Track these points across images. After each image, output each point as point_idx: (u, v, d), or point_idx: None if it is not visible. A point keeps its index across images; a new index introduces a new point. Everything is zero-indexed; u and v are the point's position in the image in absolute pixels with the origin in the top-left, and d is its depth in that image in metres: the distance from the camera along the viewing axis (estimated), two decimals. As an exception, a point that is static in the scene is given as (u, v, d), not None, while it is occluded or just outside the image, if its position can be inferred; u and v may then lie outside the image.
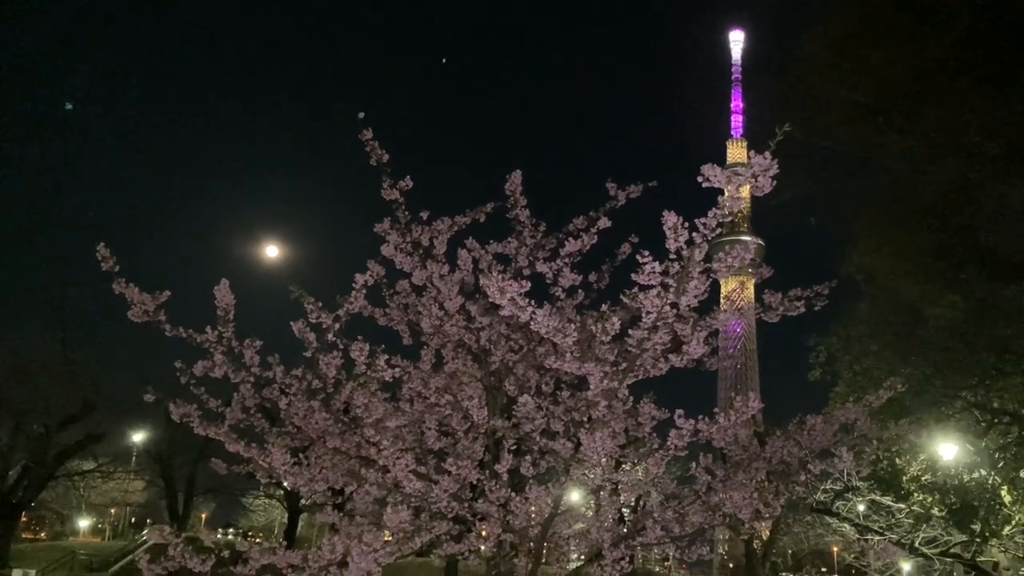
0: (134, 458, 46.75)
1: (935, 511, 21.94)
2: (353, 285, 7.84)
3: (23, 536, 62.88)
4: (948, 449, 20.84)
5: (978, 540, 20.73)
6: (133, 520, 74.83)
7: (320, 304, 7.83)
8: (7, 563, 40.02)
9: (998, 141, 16.19)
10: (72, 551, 47.30)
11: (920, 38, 16.54)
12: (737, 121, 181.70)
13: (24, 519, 61.80)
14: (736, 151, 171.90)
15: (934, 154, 17.01)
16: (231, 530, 74.16)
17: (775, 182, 5.33)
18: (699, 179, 5.30)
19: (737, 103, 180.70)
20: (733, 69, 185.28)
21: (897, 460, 22.16)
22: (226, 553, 7.56)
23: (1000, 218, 17.46)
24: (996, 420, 20.79)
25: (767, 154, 5.31)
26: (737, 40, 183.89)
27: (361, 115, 7.59)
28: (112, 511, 73.48)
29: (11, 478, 35.77)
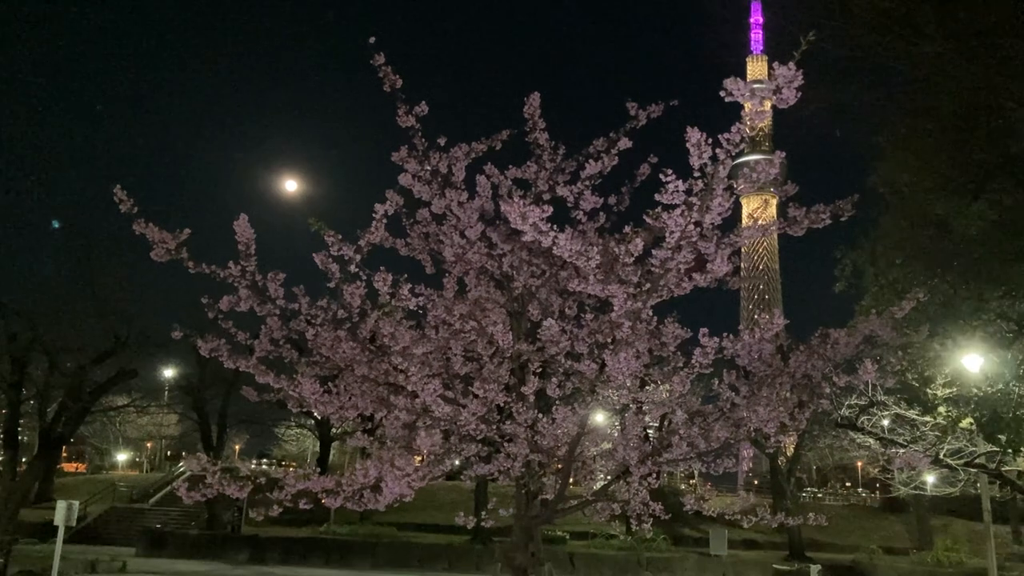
0: (166, 392, 47.76)
1: (963, 423, 21.99)
2: (373, 216, 7.78)
3: (65, 470, 64.99)
4: (973, 361, 20.76)
5: (1009, 451, 20.81)
6: (168, 453, 76.83)
7: (340, 236, 7.81)
8: (51, 495, 41.49)
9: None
10: (112, 483, 48.85)
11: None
12: (757, 36, 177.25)
13: (65, 454, 63.78)
14: (757, 67, 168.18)
15: (962, 59, 16.49)
16: (265, 460, 76.05)
17: (799, 94, 5.22)
18: (721, 93, 5.19)
19: (757, 17, 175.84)
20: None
21: (926, 372, 22.12)
22: (262, 480, 7.76)
23: (1029, 125, 16.97)
24: (1022, 330, 20.63)
25: (791, 64, 5.18)
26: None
27: (372, 39, 7.28)
28: (148, 444, 75.47)
29: (49, 414, 36.71)
